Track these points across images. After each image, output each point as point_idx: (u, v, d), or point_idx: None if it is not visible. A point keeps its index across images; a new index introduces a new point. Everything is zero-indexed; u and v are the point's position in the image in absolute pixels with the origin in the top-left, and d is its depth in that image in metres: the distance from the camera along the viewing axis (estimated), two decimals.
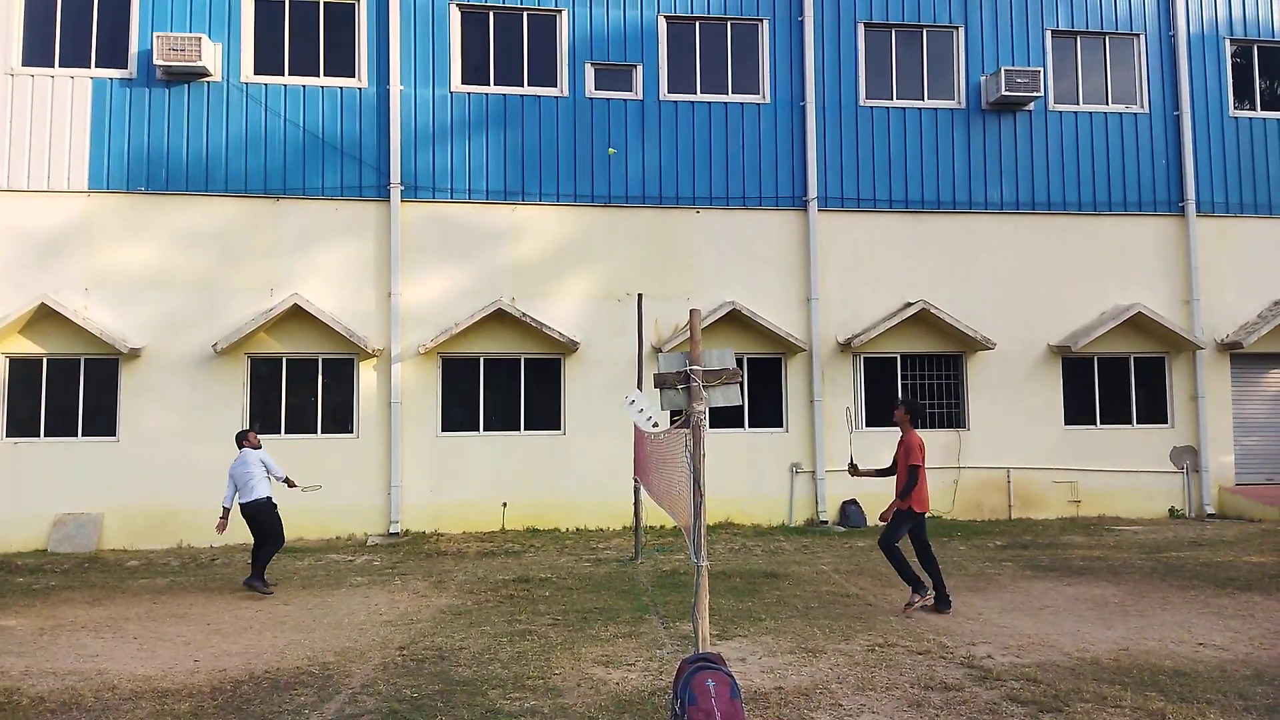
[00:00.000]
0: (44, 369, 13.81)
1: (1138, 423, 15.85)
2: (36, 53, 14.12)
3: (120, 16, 14.27)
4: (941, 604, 8.62)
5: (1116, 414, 15.86)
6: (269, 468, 10.41)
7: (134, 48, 14.18)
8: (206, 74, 14.14)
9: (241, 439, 10.59)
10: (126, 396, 13.82)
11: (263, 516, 10.23)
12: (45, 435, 13.71)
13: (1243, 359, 16.05)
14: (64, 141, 13.95)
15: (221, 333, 13.89)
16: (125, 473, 13.64)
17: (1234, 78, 16.52)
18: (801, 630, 8.01)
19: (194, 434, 13.78)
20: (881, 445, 15.20)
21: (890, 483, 9.13)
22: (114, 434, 13.79)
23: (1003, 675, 6.59)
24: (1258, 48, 16.60)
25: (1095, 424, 15.76)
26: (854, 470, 9.16)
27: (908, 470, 8.64)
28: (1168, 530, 14.08)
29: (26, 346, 13.71)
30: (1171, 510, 15.62)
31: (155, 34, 13.84)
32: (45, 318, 13.61)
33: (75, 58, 14.18)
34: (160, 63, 13.75)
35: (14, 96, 13.91)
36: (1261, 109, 16.54)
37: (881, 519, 8.79)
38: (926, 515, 8.86)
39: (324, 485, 12.28)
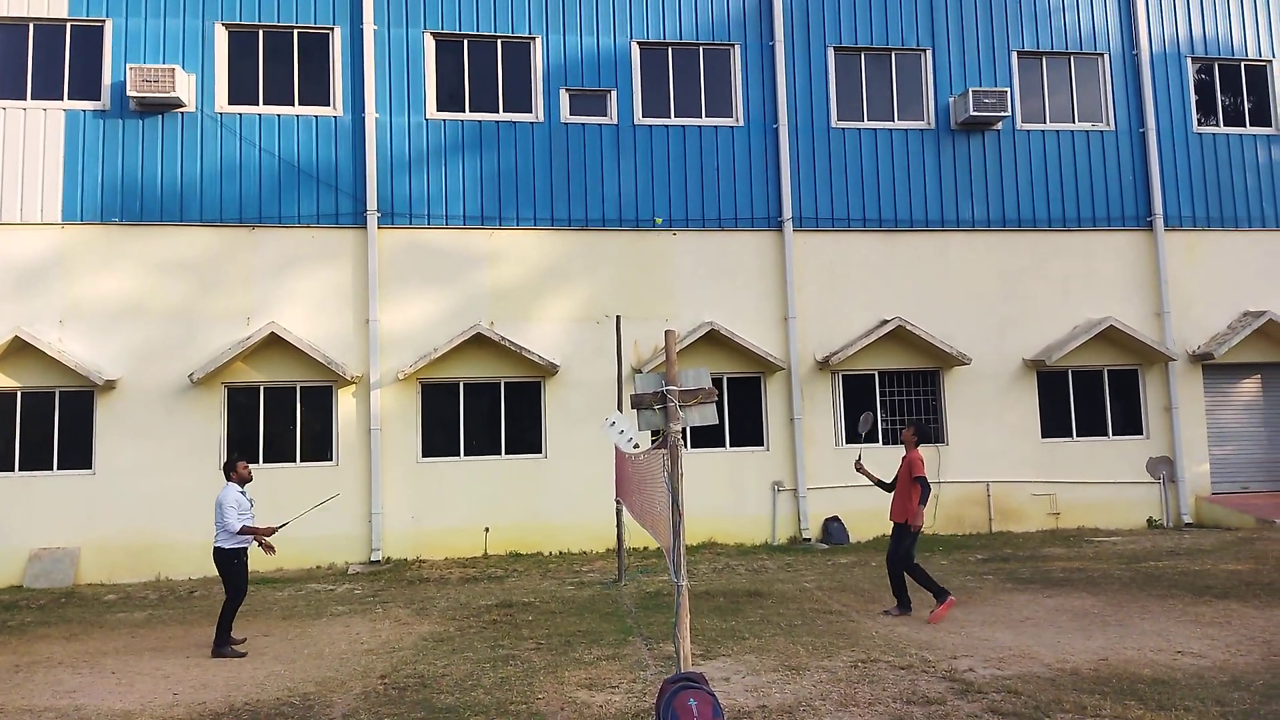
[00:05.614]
0: (18, 402, 13.66)
1: (1114, 434, 16.02)
2: (8, 85, 14.08)
3: (93, 49, 14.26)
4: (904, 607, 9.26)
5: (1092, 426, 16.02)
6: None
7: (107, 79, 14.16)
8: (180, 104, 14.13)
9: (230, 470, 9.03)
10: (102, 428, 13.69)
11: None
12: (20, 469, 13.54)
13: (1215, 370, 16.28)
14: (37, 174, 13.88)
15: (198, 363, 13.80)
16: (102, 506, 13.49)
17: (1197, 95, 16.87)
18: (785, 648, 8.03)
19: (171, 465, 13.65)
20: (866, 460, 15.34)
21: (881, 498, 9.81)
22: (90, 467, 13.65)
23: (984, 688, 6.64)
24: (1219, 66, 16.96)
25: (1072, 436, 15.90)
26: (859, 467, 9.74)
27: (915, 481, 9.13)
28: (1146, 540, 14.21)
29: (0, 380, 13.58)
30: (1150, 520, 15.76)
31: (128, 65, 13.84)
32: (19, 351, 13.49)
33: (48, 90, 14.15)
34: (134, 94, 13.74)
35: None
36: (1224, 125, 16.87)
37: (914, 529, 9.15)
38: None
39: (303, 515, 10.93)
